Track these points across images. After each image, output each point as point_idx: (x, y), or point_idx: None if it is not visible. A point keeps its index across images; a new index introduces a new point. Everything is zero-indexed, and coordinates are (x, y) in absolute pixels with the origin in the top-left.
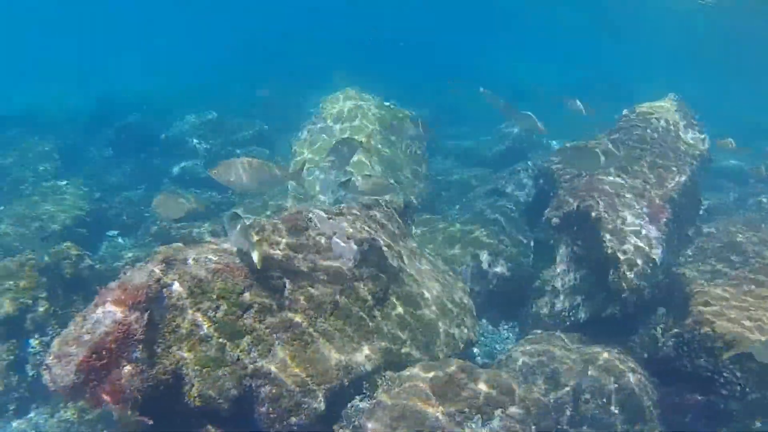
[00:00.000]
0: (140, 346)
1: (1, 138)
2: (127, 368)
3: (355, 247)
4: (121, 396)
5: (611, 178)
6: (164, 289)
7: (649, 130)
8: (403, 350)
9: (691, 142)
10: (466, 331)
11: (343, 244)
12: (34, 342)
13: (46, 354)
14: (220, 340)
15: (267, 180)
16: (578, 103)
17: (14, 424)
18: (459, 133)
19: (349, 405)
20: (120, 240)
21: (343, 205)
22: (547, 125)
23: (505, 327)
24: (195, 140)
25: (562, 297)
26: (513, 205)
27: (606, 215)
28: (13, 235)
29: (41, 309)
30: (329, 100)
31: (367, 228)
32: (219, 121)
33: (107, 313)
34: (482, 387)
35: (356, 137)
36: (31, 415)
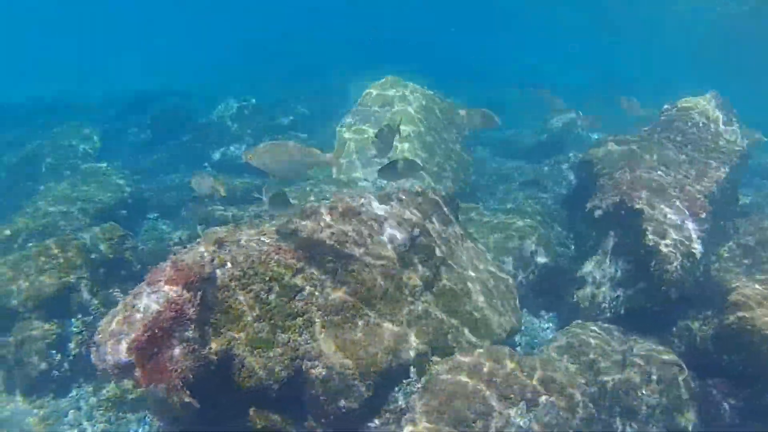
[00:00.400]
0: (192, 326)
1: (38, 122)
2: (179, 348)
3: (406, 232)
4: (172, 376)
5: (653, 172)
6: (217, 270)
7: (689, 125)
8: (449, 336)
9: (730, 138)
10: (510, 319)
11: (394, 228)
12: (76, 321)
13: (94, 333)
14: (272, 321)
15: (303, 163)
16: (633, 101)
17: (55, 402)
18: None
19: (396, 388)
20: (160, 222)
21: (393, 190)
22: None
23: (545, 317)
24: (236, 125)
25: (602, 289)
26: (553, 196)
27: (648, 209)
28: (56, 214)
29: (84, 288)
30: (373, 87)
31: (417, 213)
32: (259, 107)
33: (160, 292)
34: (527, 374)
35: (398, 125)
36: (73, 393)
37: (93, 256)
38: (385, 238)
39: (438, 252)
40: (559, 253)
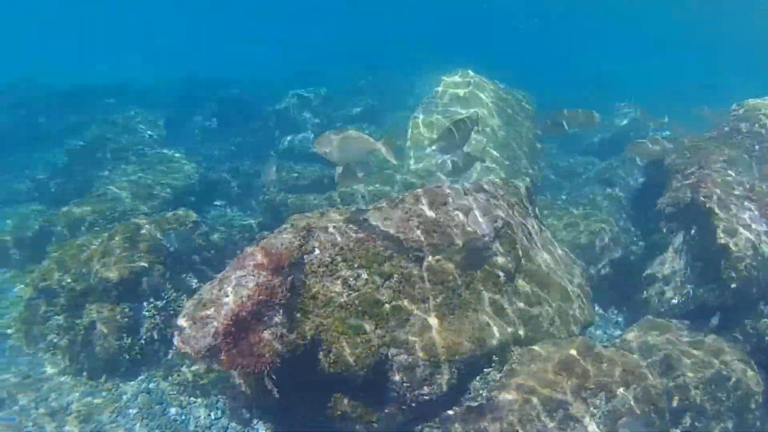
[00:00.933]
0: (281, 311)
1: (103, 105)
2: (267, 332)
3: (491, 223)
4: (260, 360)
5: (723, 171)
6: (305, 256)
7: (756, 126)
8: (529, 327)
9: None
10: (584, 312)
11: (480, 219)
12: (148, 306)
13: (170, 317)
14: (360, 308)
15: (363, 150)
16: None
17: (124, 385)
18: None
19: (477, 377)
20: (227, 210)
21: (478, 181)
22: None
23: (614, 311)
24: (305, 114)
25: (672, 285)
26: (622, 193)
27: (719, 208)
28: (124, 199)
29: (156, 273)
30: (447, 80)
31: (501, 205)
32: (329, 97)
33: (249, 276)
34: (606, 366)
35: (472, 118)
36: (142, 377)
37: (166, 241)
38: (471, 228)
39: (519, 243)
40: (629, 249)
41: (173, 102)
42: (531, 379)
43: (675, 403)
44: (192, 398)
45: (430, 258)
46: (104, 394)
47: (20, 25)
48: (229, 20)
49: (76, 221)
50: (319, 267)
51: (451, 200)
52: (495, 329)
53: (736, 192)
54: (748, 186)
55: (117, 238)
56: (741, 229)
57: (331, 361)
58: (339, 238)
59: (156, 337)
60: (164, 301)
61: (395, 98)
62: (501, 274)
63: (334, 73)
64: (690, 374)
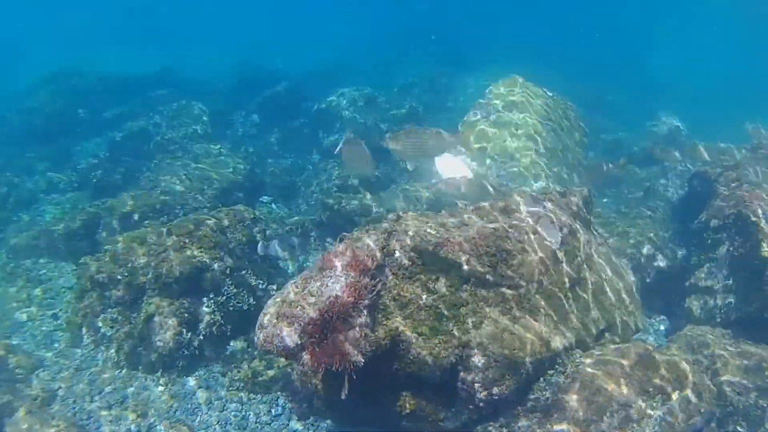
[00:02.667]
0: (365, 312)
1: (150, 96)
2: (353, 332)
3: (557, 230)
4: (345, 359)
5: (765, 186)
6: (386, 258)
7: None
8: (591, 332)
9: None
10: (636, 320)
11: (549, 226)
12: (208, 301)
13: (262, 314)
14: (438, 310)
15: (438, 147)
16: (759, 128)
17: (182, 380)
18: (604, 126)
19: (541, 379)
20: (273, 206)
21: (545, 189)
22: (696, 124)
23: (657, 319)
24: (348, 113)
25: (714, 295)
26: (664, 203)
27: (763, 222)
28: (173, 193)
29: (217, 269)
30: (496, 87)
31: (565, 213)
32: (373, 96)
33: (338, 276)
34: (663, 371)
35: (522, 128)
36: (200, 372)
37: (227, 236)
38: (542, 234)
39: (581, 251)
40: (674, 258)
41: (219, 95)
42: (594, 382)
43: (721, 408)
44: (252, 395)
45: (503, 264)
46: (161, 388)
47: (67, 12)
48: (281, 8)
49: (125, 214)
50: (399, 269)
51: (523, 207)
52: (560, 334)
53: None
54: None
55: (178, 232)
56: None
57: (409, 360)
58: (418, 243)
59: (216, 333)
60: (224, 297)
61: (441, 102)
62: (566, 280)
63: (380, 73)
64: (734, 379)
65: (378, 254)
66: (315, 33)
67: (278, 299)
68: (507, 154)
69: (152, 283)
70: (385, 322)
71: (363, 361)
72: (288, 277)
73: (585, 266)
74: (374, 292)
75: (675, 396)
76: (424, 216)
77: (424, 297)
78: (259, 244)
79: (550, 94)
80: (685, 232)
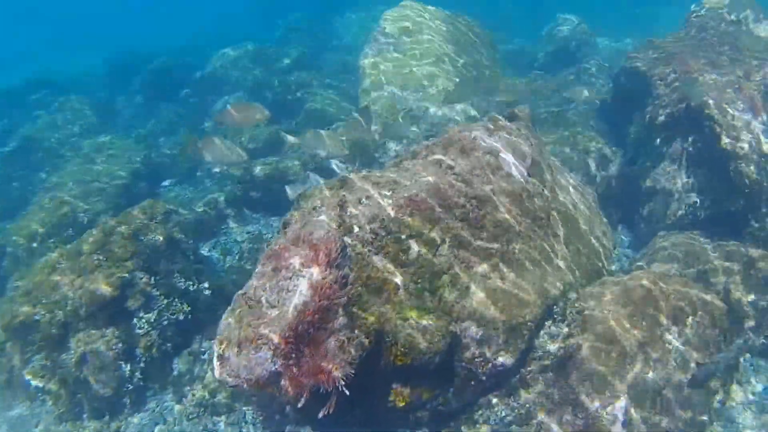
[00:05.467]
0: (340, 311)
1: (26, 102)
2: (333, 340)
3: (522, 162)
4: (331, 376)
5: (708, 75)
6: (345, 237)
7: (722, 25)
8: (574, 267)
9: (764, 34)
10: (609, 239)
11: (512, 160)
12: (140, 322)
13: (215, 342)
14: (418, 285)
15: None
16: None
17: (135, 419)
18: (499, 36)
19: (541, 333)
20: (177, 188)
21: (492, 115)
22: (597, 21)
23: (620, 229)
24: (235, 73)
25: (675, 197)
26: (589, 107)
27: (718, 112)
28: (73, 201)
29: (142, 282)
30: (391, 14)
31: (526, 140)
32: (258, 50)
33: (299, 277)
34: (672, 298)
35: (426, 53)
36: (152, 405)
37: (142, 240)
38: (506, 171)
39: (547, 181)
40: (619, 163)
41: (97, 85)
42: (604, 328)
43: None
44: (215, 417)
45: (476, 213)
46: None
47: None
48: None
49: (28, 237)
50: (363, 247)
51: (480, 143)
52: (551, 278)
53: (727, 94)
54: (734, 87)
55: (86, 249)
56: (743, 132)
57: (400, 352)
58: (377, 210)
59: (156, 355)
60: (156, 312)
61: (324, 41)
62: (542, 216)
63: (253, 26)
64: (732, 285)
65: (334, 232)
66: (182, 9)
67: (231, 320)
68: (416, 84)
69: (75, 316)
70: (363, 316)
71: (353, 371)
72: (217, 270)
73: (552, 194)
74: (347, 286)
75: (689, 321)
76: (370, 175)
77: (399, 274)
78: (287, 188)
79: (447, 12)
80: (621, 133)
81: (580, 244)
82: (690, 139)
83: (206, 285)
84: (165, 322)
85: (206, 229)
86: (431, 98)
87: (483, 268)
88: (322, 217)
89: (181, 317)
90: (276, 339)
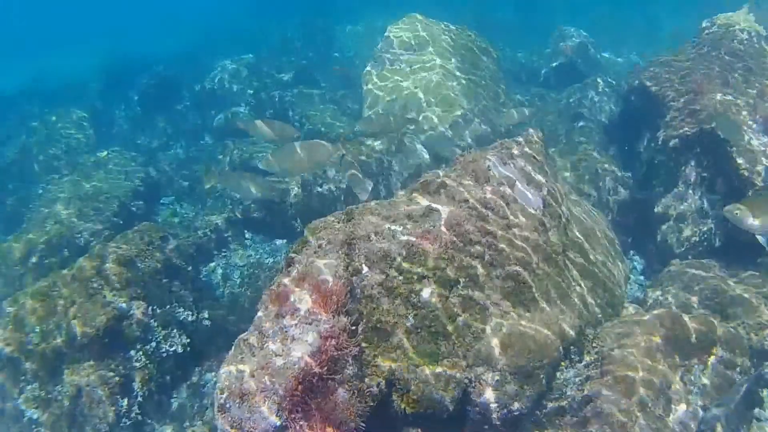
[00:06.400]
0: (351, 360)
1: (22, 114)
2: (342, 390)
3: (538, 192)
4: (341, 429)
5: (720, 95)
6: (354, 278)
7: (735, 42)
8: (591, 302)
9: None
10: (623, 267)
11: (527, 191)
12: (137, 354)
13: (216, 390)
14: (431, 328)
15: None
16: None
17: None
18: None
19: (558, 375)
20: (177, 207)
21: (505, 142)
22: (599, 34)
23: (629, 257)
24: (235, 86)
25: (689, 222)
26: (595, 126)
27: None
28: (68, 221)
29: (139, 312)
30: (396, 28)
31: (540, 169)
32: (258, 63)
33: (305, 323)
34: (693, 337)
35: (433, 68)
36: None
37: (138, 267)
38: (521, 203)
39: (562, 210)
40: (630, 187)
41: (94, 96)
42: (623, 369)
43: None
44: None
45: (491, 250)
46: None
47: None
48: None
49: (22, 258)
50: (373, 289)
51: (493, 173)
52: (569, 316)
53: (743, 116)
54: (748, 109)
55: (82, 276)
56: (760, 156)
57: (412, 400)
58: (387, 247)
59: (154, 389)
60: (154, 344)
61: (325, 54)
62: (558, 252)
63: (254, 37)
64: (750, 321)
65: (343, 275)
66: (178, 10)
67: (232, 368)
68: (421, 100)
69: (68, 347)
70: (374, 363)
71: (363, 425)
72: (217, 296)
73: (568, 227)
74: (356, 334)
75: (711, 361)
76: (380, 207)
77: (411, 316)
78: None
79: (453, 27)
80: (629, 153)
81: (596, 277)
82: (704, 163)
83: (206, 315)
84: (164, 354)
85: (206, 251)
86: (437, 115)
87: (498, 309)
88: (330, 259)
89: (180, 350)
90: (281, 392)
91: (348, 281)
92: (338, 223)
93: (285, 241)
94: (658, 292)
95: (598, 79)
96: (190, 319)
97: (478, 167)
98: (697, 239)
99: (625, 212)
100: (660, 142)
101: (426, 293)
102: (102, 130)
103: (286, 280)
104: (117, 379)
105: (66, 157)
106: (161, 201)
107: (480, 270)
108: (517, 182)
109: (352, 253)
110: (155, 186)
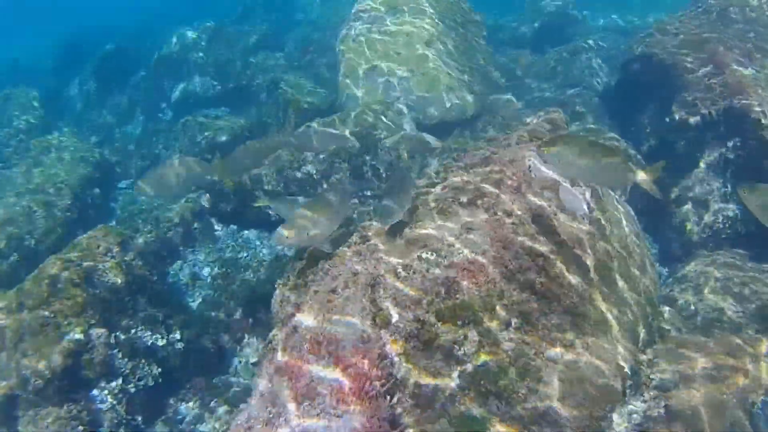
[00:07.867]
0: None
1: None
2: None
3: (583, 197)
4: None
5: (742, 68)
6: (382, 331)
7: (747, 9)
8: (639, 320)
9: None
10: (654, 271)
11: (572, 194)
12: (101, 393)
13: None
14: (481, 387)
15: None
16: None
17: None
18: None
19: (615, 414)
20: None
21: (536, 131)
22: None
23: (648, 240)
24: (194, 55)
25: (711, 207)
26: (593, 93)
27: (764, 116)
28: (17, 219)
29: (98, 341)
30: None
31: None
32: (218, 29)
33: (333, 422)
34: (749, 365)
35: (417, 35)
36: None
37: (95, 285)
38: (568, 211)
39: (605, 210)
40: (643, 167)
41: (45, 73)
42: (686, 405)
43: None
44: None
45: (543, 276)
46: None
47: None
48: None
49: None
50: (407, 341)
51: (533, 174)
52: (622, 344)
53: (765, 92)
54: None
55: (30, 305)
56: None
57: None
58: (421, 284)
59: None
60: (120, 379)
61: (290, 14)
62: (609, 267)
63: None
64: None
65: (372, 335)
66: None
67: None
68: (405, 68)
69: (21, 390)
70: None
71: None
72: (188, 310)
73: (611, 233)
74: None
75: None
76: (400, 228)
77: (456, 375)
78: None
79: None
80: (629, 123)
81: (637, 289)
82: (730, 144)
83: (177, 336)
84: (133, 390)
85: (172, 248)
86: (425, 85)
87: (555, 351)
88: (354, 319)
89: (151, 383)
90: None
91: (382, 347)
92: (357, 255)
93: (258, 231)
94: (689, 296)
95: (590, 42)
96: (160, 343)
97: (517, 168)
98: (720, 226)
99: (636, 193)
100: (677, 120)
101: (472, 343)
102: (57, 108)
103: (289, 344)
104: (81, 427)
105: (14, 145)
106: (119, 186)
107: (532, 305)
108: (561, 185)
109: (378, 297)
110: (112, 168)
